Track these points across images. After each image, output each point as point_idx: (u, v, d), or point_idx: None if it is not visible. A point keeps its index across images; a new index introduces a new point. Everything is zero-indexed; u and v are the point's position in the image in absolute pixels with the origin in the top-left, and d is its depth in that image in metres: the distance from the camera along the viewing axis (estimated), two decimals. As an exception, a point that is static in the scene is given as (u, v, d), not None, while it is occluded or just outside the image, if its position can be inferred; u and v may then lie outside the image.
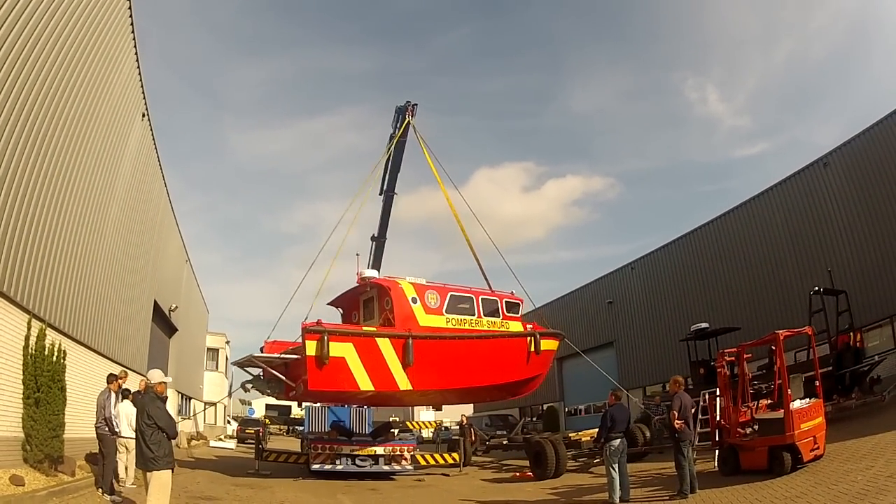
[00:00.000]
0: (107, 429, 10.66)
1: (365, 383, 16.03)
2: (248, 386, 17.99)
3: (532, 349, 19.26)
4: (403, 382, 16.52)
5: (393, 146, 22.76)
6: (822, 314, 18.47)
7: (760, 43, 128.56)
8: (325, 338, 15.32)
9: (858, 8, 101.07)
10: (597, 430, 20.19)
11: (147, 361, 20.20)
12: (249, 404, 62.31)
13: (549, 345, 20.43)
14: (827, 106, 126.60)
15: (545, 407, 41.89)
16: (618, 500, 10.83)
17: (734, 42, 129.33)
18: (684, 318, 28.22)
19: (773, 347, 12.73)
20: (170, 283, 26.08)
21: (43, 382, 10.26)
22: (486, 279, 21.19)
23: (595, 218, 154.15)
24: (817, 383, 12.66)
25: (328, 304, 20.00)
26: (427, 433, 35.49)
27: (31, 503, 8.42)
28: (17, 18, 9.61)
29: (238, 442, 36.57)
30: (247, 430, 38.59)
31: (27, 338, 10.24)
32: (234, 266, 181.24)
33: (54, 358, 10.75)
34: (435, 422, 37.39)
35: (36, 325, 10.54)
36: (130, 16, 15.45)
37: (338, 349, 15.59)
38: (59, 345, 11.09)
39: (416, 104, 22.74)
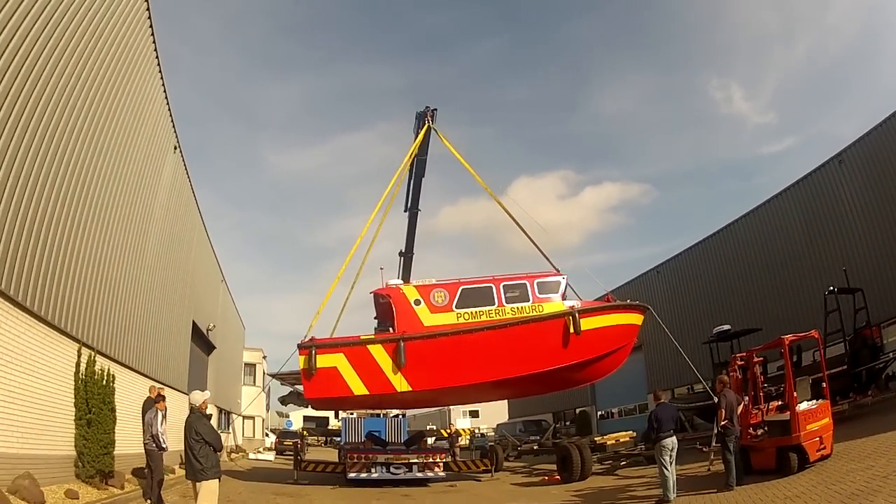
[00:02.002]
0: (154, 445, 11.52)
1: (359, 388, 17.10)
2: (285, 398, 19.27)
3: (572, 330, 17.67)
4: (400, 384, 17.18)
5: (413, 161, 22.58)
6: (837, 313, 18.55)
7: (780, 39, 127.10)
8: (313, 352, 16.81)
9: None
10: (623, 432, 20.81)
11: (188, 380, 21.21)
12: (287, 417, 63.43)
13: (617, 319, 18.74)
14: (852, 97, 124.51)
15: (578, 411, 42.12)
16: (672, 498, 11.13)
17: (754, 40, 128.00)
18: (709, 319, 28.13)
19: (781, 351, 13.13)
20: (207, 303, 27.18)
21: (94, 404, 11.22)
22: (546, 258, 20.26)
23: (630, 223, 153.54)
24: (824, 385, 12.99)
25: (374, 317, 20.71)
26: (463, 440, 36.17)
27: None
28: (61, 75, 10.59)
29: (277, 454, 37.30)
30: (285, 443, 39.35)
31: (77, 364, 11.19)
32: (271, 280, 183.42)
33: (104, 382, 11.72)
34: (469, 429, 37.95)
35: (85, 352, 11.49)
36: (157, 56, 16.35)
37: (327, 360, 17.00)
38: (108, 369, 12.08)
39: (435, 109, 22.52)
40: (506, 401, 47.26)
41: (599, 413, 41.41)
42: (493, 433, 40.87)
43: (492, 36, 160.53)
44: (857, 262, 22.19)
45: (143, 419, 12.37)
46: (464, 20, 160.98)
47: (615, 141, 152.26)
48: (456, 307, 18.27)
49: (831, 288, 19.12)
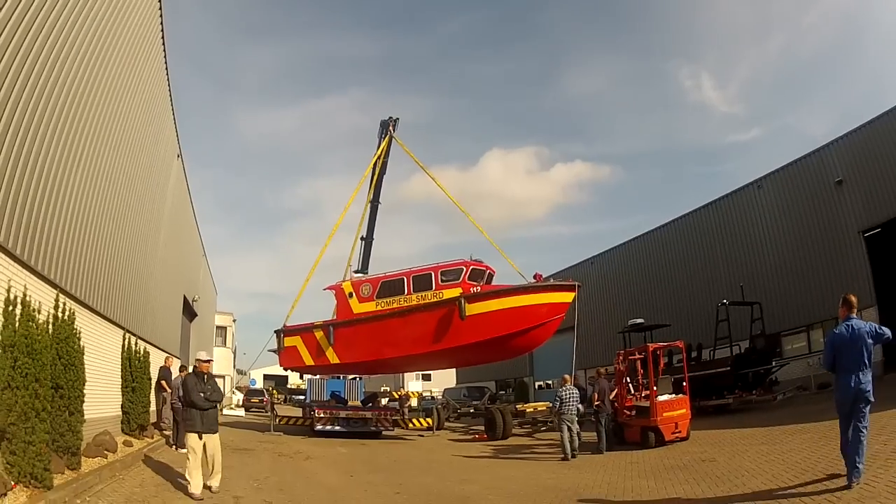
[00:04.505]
0: (180, 403, 15.28)
1: (308, 360, 22.62)
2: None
3: (458, 315, 19.63)
4: (333, 358, 22.17)
5: (376, 164, 26.16)
6: (727, 323, 22.12)
7: (754, 34, 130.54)
8: (281, 335, 22.86)
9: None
10: (540, 402, 25.01)
11: (179, 346, 24.80)
12: (249, 375, 66.35)
13: (516, 301, 19.63)
14: (820, 95, 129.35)
15: (517, 381, 45.76)
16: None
17: (729, 32, 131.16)
18: (631, 310, 31.06)
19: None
20: (192, 277, 30.54)
21: (137, 375, 14.81)
22: (493, 244, 24.48)
23: (594, 200, 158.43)
24: (685, 384, 16.80)
25: None
26: (412, 402, 40.11)
27: (140, 456, 12.91)
28: (103, 114, 13.78)
29: (245, 410, 39.83)
30: (252, 400, 42.45)
31: (123, 346, 14.69)
32: (237, 240, 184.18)
33: (142, 358, 15.36)
34: (418, 392, 41.77)
35: (128, 336, 15.01)
36: (168, 87, 19.27)
37: (291, 341, 22.94)
38: (145, 349, 15.71)
39: (397, 118, 26.08)
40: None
41: (538, 383, 44.95)
42: (441, 396, 44.72)
43: (469, 10, 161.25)
44: (762, 277, 25.56)
45: (157, 382, 16.32)
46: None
47: (585, 119, 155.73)
48: (377, 297, 22.24)
49: (724, 301, 22.62)
